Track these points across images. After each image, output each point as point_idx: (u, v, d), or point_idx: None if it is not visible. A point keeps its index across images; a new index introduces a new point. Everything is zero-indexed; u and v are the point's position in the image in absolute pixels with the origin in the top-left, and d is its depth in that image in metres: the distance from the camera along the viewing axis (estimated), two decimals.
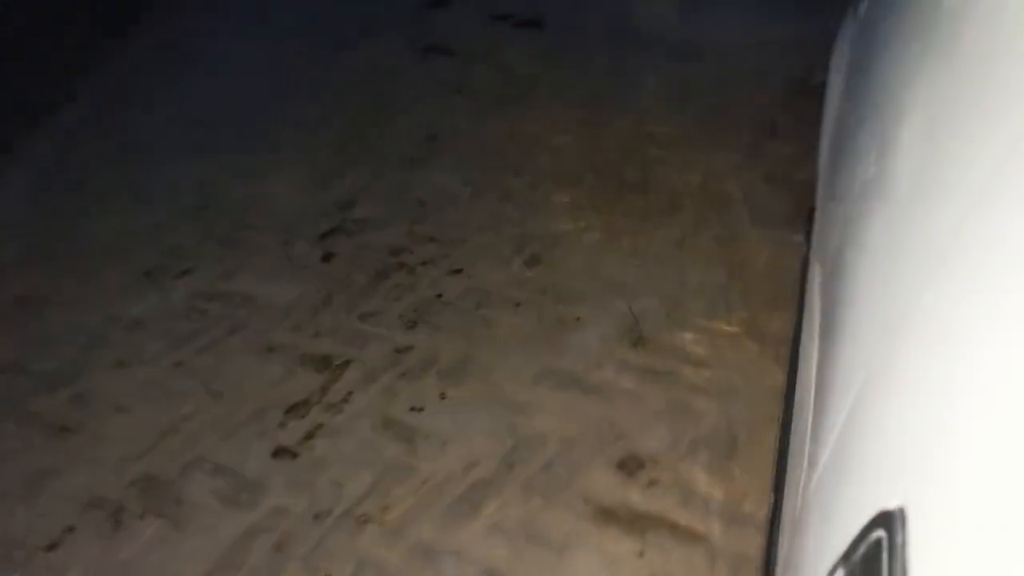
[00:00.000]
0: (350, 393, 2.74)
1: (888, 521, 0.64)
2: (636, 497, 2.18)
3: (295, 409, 2.74)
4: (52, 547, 2.32)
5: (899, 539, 0.61)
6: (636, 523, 2.13)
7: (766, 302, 2.81)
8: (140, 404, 2.98)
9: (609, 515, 2.15)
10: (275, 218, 4.19)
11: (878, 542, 0.64)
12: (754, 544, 1.98)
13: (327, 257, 3.65)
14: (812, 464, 0.95)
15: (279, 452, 2.56)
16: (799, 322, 1.51)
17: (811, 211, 1.72)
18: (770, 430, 1.77)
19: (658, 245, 3.22)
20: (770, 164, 3.65)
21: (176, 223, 4.42)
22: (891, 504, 0.64)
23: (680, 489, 2.18)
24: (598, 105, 4.37)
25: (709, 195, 3.50)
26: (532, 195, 3.77)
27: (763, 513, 1.73)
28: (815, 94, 2.42)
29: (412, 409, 2.61)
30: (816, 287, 1.34)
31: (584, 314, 2.90)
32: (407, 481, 2.34)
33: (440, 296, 3.17)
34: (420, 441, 2.47)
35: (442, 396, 2.64)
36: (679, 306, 2.86)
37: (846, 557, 0.69)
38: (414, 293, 3.23)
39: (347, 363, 2.90)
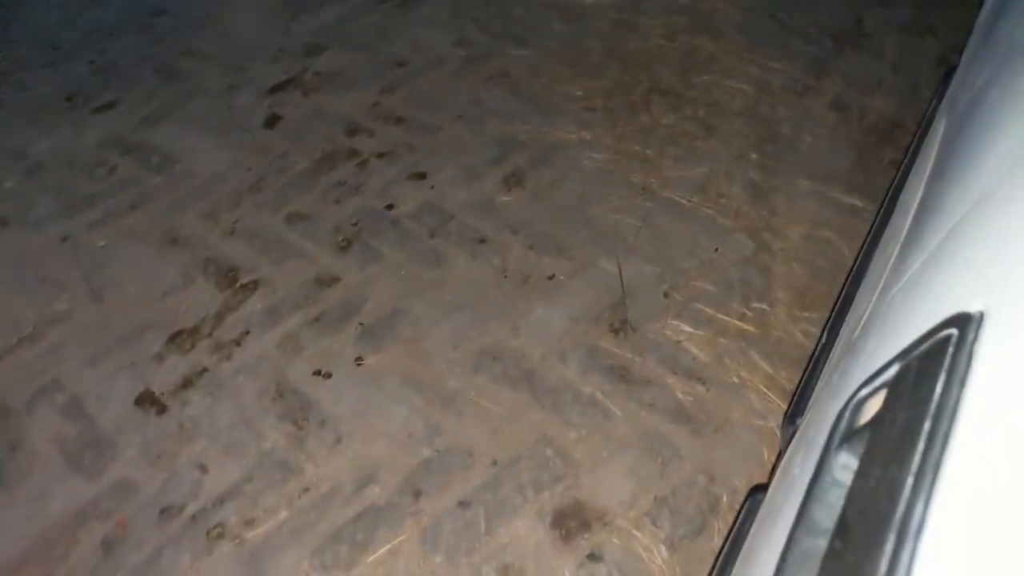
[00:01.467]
0: (247, 333, 2.17)
1: (964, 321, 0.64)
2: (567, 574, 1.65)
3: (180, 338, 2.18)
4: None
5: (970, 336, 0.62)
6: None
7: (796, 294, 2.14)
8: (7, 285, 2.43)
9: None
10: (227, 50, 3.42)
11: (947, 339, 0.64)
12: None
13: (272, 121, 2.94)
14: (895, 274, 0.97)
15: (145, 400, 2.04)
16: (904, 173, 1.57)
17: (951, 69, 1.72)
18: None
19: (676, 185, 2.48)
20: (842, 86, 2.83)
21: (120, 30, 3.65)
22: (972, 308, 0.65)
23: (626, 572, 1.64)
24: None
25: (759, 120, 2.69)
26: (532, 80, 2.96)
27: None
28: None
29: (316, 373, 2.04)
30: (938, 137, 1.36)
31: (560, 271, 2.24)
32: (284, 486, 1.82)
33: (390, 208, 2.49)
34: (313, 427, 1.92)
35: (358, 361, 2.06)
36: (683, 282, 2.19)
37: (906, 353, 0.69)
38: (360, 197, 2.55)
39: (255, 285, 2.30)
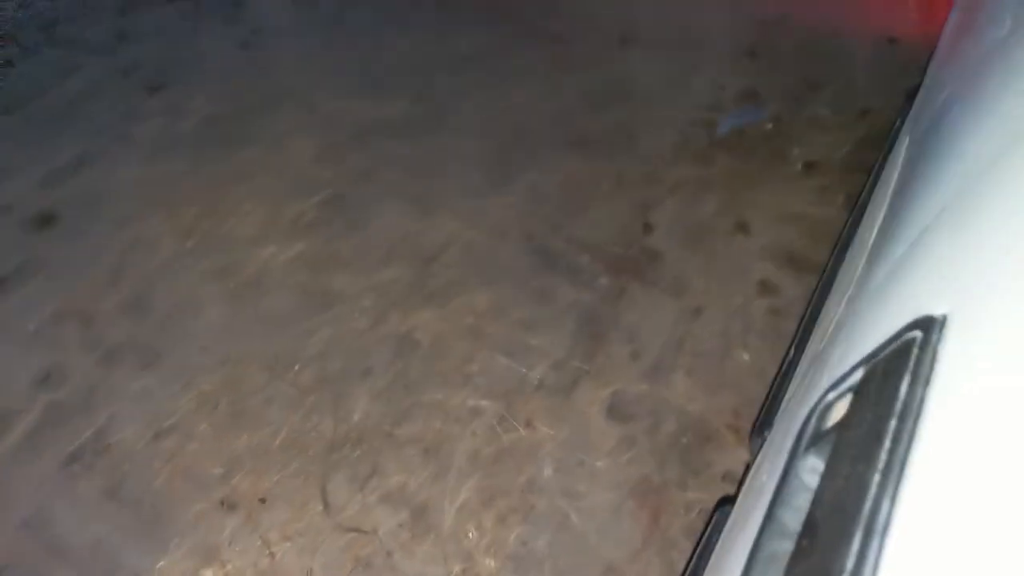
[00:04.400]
0: None
1: (927, 324, 0.65)
2: None
3: None
4: None
5: (934, 338, 0.63)
6: None
7: None
8: None
9: None
10: None
11: (911, 341, 0.65)
12: None
13: None
14: (861, 285, 0.99)
15: None
16: (869, 190, 1.56)
17: (914, 90, 1.73)
18: None
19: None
20: (623, 364, 2.07)
21: None
22: (936, 311, 0.66)
23: None
24: None
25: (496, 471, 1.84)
26: None
27: None
28: None
29: None
30: (901, 154, 1.38)
31: None
32: None
33: None
34: None
35: None
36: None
37: (871, 356, 0.71)
38: None
39: None
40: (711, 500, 1.81)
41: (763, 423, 1.23)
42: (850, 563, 0.55)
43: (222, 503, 1.81)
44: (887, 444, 0.60)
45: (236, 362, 2.10)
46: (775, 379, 1.41)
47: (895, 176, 1.33)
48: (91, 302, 2.28)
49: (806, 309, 1.50)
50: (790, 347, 1.44)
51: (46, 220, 2.55)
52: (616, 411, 1.99)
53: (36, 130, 2.93)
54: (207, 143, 2.85)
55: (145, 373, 2.08)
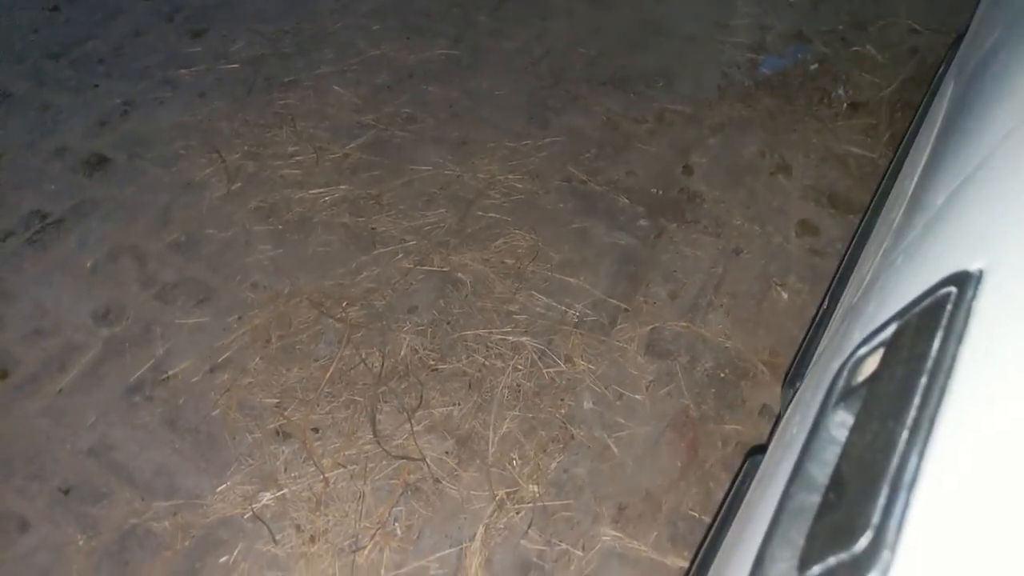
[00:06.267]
0: None
1: (963, 279, 0.64)
2: None
3: None
4: None
5: (969, 294, 0.62)
6: None
7: None
8: None
9: None
10: None
11: (946, 296, 0.64)
12: None
13: None
14: (898, 236, 0.97)
15: None
16: (910, 138, 1.55)
17: (960, 35, 1.69)
18: None
19: None
20: (663, 301, 2.12)
21: None
22: (972, 267, 0.65)
23: None
24: None
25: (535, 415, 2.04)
26: None
27: None
28: None
29: None
30: (945, 102, 1.36)
31: None
32: None
33: None
34: None
35: None
36: None
37: (905, 311, 0.70)
38: None
39: None
40: (748, 434, 1.86)
41: (794, 375, 1.23)
42: (876, 518, 0.55)
43: (277, 432, 1.89)
44: (917, 400, 0.59)
45: (287, 298, 2.17)
46: (808, 329, 1.40)
47: (938, 122, 1.31)
48: (144, 240, 2.36)
49: (844, 255, 1.50)
50: (825, 296, 1.44)
51: (98, 162, 2.63)
52: (654, 347, 2.03)
53: (84, 74, 2.99)
54: (250, 87, 2.89)
55: (199, 308, 2.17)
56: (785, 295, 2.14)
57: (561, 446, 1.84)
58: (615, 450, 1.83)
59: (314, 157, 2.59)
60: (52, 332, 2.14)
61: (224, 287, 2.22)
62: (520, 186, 2.44)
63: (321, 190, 2.47)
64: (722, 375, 1.97)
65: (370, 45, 3.06)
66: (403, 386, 1.96)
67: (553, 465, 1.80)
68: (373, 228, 2.35)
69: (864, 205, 1.87)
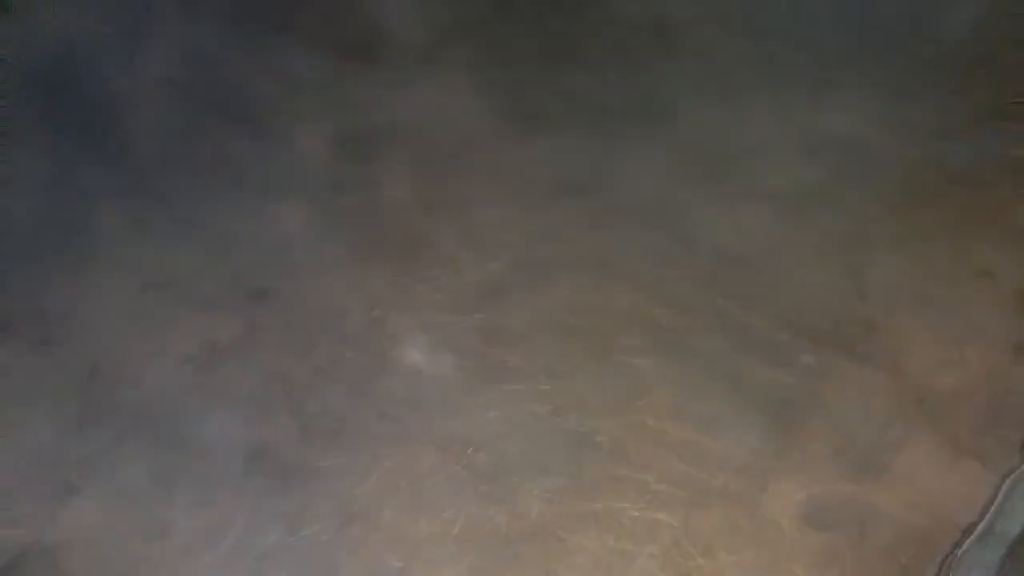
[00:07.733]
0: None
1: None
2: None
3: None
4: None
5: None
6: None
7: None
8: None
9: None
10: None
11: None
12: None
13: None
14: None
15: None
16: None
17: None
18: None
19: None
20: (824, 464, 1.90)
21: None
22: None
23: None
24: None
25: None
26: None
27: None
28: None
29: None
30: None
31: None
32: None
33: None
34: None
35: None
36: None
37: None
38: None
39: None
40: None
41: None
42: None
43: None
44: None
45: (414, 439, 2.11)
46: None
47: None
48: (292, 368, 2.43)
49: None
50: None
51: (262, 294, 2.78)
52: (813, 518, 1.76)
53: (258, 199, 3.20)
54: (397, 212, 2.95)
55: (334, 449, 2.17)
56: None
57: None
58: None
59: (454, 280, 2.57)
60: None
61: (354, 419, 2.18)
62: (665, 322, 2.25)
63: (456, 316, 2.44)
64: (903, 558, 1.66)
65: (513, 163, 3.02)
66: (531, 550, 1.83)
67: None
68: (504, 361, 2.26)
69: None
